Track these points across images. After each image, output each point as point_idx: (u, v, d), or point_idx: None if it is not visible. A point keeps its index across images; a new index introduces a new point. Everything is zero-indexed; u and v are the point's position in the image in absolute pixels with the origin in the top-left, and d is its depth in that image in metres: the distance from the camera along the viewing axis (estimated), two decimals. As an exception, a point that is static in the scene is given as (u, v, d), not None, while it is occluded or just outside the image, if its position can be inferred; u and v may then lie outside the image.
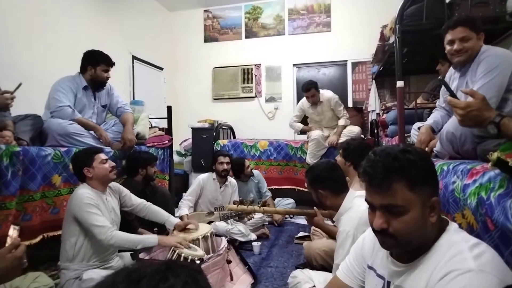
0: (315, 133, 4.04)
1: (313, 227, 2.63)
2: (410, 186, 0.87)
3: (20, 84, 2.04)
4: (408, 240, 0.88)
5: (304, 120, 4.41)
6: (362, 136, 4.29)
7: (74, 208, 1.88)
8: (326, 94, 4.09)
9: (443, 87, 2.10)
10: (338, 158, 2.13)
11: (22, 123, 2.22)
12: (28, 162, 1.95)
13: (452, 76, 1.95)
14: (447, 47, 1.81)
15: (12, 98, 2.06)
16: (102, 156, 2.05)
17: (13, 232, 1.18)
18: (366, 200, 0.96)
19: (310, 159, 4.06)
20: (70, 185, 2.24)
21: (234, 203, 2.41)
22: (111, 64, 2.70)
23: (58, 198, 2.17)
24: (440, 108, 2.08)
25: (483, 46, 1.75)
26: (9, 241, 1.16)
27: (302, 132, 4.39)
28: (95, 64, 2.62)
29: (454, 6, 2.42)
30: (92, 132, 2.55)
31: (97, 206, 1.91)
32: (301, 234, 3.27)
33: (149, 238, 2.01)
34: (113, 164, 2.10)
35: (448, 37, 1.79)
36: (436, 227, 0.90)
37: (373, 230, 0.94)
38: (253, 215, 3.23)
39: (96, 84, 2.70)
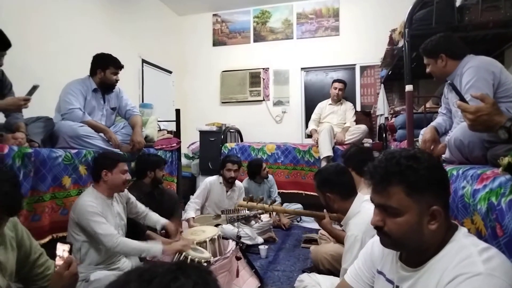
0: (325, 125, 4.25)
1: (320, 231, 2.63)
2: (407, 192, 0.88)
3: (36, 86, 2.00)
4: (402, 241, 0.91)
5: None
6: (370, 140, 4.30)
7: (78, 216, 1.88)
8: (347, 101, 4.64)
9: (443, 95, 2.12)
10: None
11: (34, 125, 2.25)
12: (39, 164, 1.97)
13: (446, 89, 2.10)
14: None
15: (26, 100, 2.02)
16: (125, 166, 2.06)
17: (62, 251, 1.22)
18: (370, 197, 0.99)
19: (323, 153, 3.98)
20: (79, 186, 2.26)
21: (244, 199, 2.40)
22: (120, 67, 2.74)
23: (68, 200, 2.19)
24: (442, 114, 2.12)
25: (467, 57, 1.87)
26: (58, 260, 1.21)
27: (310, 135, 4.50)
28: (105, 67, 2.67)
29: (465, 10, 2.39)
30: (102, 134, 2.58)
31: (101, 214, 1.90)
32: (308, 234, 3.27)
33: (154, 248, 1.97)
34: (130, 177, 2.11)
35: None
36: (441, 233, 0.90)
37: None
38: (260, 219, 3.21)
39: (106, 87, 2.74)
